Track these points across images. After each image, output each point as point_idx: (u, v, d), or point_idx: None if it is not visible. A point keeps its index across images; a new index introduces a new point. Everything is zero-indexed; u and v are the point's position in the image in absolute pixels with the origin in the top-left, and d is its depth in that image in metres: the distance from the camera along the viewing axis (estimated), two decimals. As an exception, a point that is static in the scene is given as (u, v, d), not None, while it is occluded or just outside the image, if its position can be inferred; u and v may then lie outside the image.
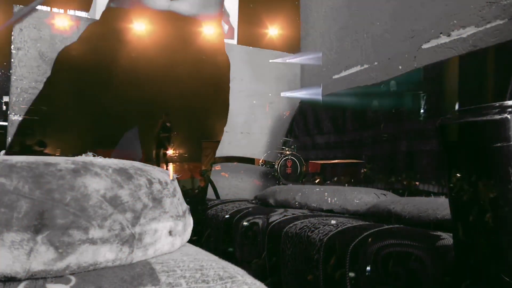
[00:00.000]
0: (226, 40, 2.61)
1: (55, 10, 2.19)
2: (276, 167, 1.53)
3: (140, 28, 2.27)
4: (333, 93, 2.16)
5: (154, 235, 0.48)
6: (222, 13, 1.47)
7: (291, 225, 1.13)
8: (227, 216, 1.47)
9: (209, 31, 2.24)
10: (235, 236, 1.35)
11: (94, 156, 0.59)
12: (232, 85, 2.42)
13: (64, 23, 2.02)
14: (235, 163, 2.36)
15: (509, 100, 1.26)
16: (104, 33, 1.26)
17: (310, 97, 2.26)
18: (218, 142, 2.30)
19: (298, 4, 2.68)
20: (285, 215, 1.25)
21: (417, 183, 1.46)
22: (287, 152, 1.56)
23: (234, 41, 2.68)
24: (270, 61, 2.56)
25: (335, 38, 2.39)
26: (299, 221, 1.14)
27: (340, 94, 2.07)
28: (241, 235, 1.32)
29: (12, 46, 1.94)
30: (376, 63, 2.09)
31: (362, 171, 1.40)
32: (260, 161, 2.04)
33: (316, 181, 1.39)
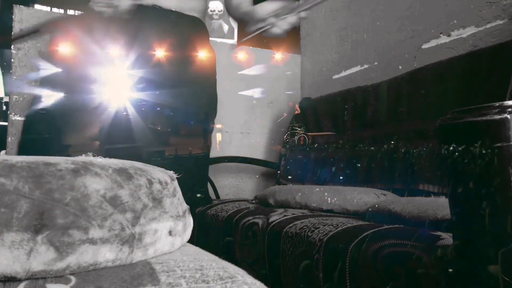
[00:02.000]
0: (226, 40, 2.61)
1: (55, 10, 2.19)
2: (295, 140, 2.10)
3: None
4: (333, 93, 2.16)
5: (154, 235, 0.48)
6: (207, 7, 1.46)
7: (291, 225, 1.13)
8: (227, 216, 1.47)
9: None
10: (235, 236, 1.35)
11: (94, 156, 0.59)
12: (232, 85, 2.42)
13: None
14: (235, 163, 2.36)
15: (509, 100, 1.27)
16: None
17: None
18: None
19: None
20: (285, 215, 1.25)
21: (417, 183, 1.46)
22: (301, 132, 2.09)
23: (234, 41, 2.68)
24: (270, 59, 2.56)
25: (335, 38, 2.39)
26: (299, 221, 1.14)
27: (340, 94, 2.07)
28: (241, 235, 1.32)
29: (12, 46, 1.94)
30: (376, 63, 2.09)
31: (340, 141, 1.91)
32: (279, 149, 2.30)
33: (315, 145, 2.02)
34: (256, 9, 1.43)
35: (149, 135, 1.28)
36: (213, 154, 2.28)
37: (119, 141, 1.25)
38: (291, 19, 1.39)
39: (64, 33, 1.24)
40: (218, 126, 2.33)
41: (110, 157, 1.23)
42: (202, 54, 1.40)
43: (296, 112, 2.22)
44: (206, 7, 1.49)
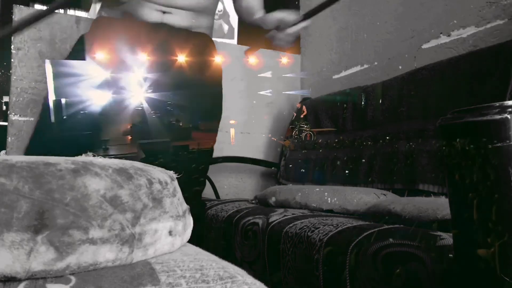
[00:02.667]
0: (226, 40, 2.61)
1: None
2: (302, 136, 2.20)
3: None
4: (333, 93, 2.16)
5: (154, 235, 0.48)
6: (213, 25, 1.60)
7: (291, 225, 1.13)
8: (227, 216, 1.47)
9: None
10: (235, 236, 1.35)
11: (94, 156, 0.59)
12: (232, 85, 2.42)
13: (64, 23, 2.02)
14: (235, 163, 2.36)
15: (509, 100, 1.27)
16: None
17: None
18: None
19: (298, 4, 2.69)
20: (285, 215, 1.25)
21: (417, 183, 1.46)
22: (307, 129, 2.18)
23: (234, 41, 2.68)
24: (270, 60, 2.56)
25: (335, 38, 2.39)
26: (299, 221, 1.14)
27: (340, 94, 2.07)
28: (241, 235, 1.32)
29: (12, 46, 1.94)
30: (376, 63, 2.09)
31: (340, 138, 1.97)
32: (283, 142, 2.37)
33: (319, 141, 2.09)
34: (265, 18, 1.53)
35: (174, 130, 1.47)
36: (221, 151, 2.30)
37: (149, 136, 1.43)
38: (293, 30, 1.47)
39: (101, 40, 1.39)
40: (231, 122, 2.41)
41: (143, 150, 1.41)
42: (210, 67, 1.58)
43: (303, 113, 2.25)
44: (213, 23, 1.59)
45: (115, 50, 1.37)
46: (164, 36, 1.43)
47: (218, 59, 1.57)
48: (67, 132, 1.33)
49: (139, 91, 1.40)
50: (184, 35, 1.46)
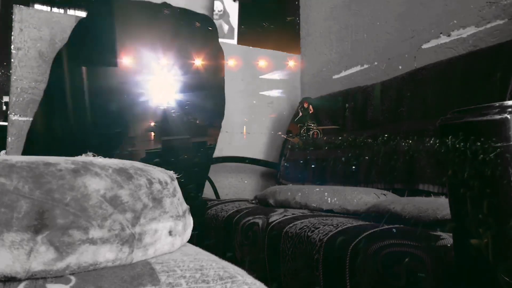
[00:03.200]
0: (226, 40, 2.61)
1: (55, 10, 2.19)
2: (310, 134, 2.24)
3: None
4: (333, 93, 2.16)
5: (154, 235, 0.48)
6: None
7: (291, 225, 1.13)
8: (227, 216, 1.47)
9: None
10: (235, 236, 1.35)
11: (94, 156, 0.59)
12: (232, 85, 2.42)
13: (64, 23, 2.02)
14: (235, 163, 2.36)
15: (509, 100, 1.27)
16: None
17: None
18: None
19: (298, 11, 2.69)
20: (285, 215, 1.25)
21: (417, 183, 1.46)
22: (314, 128, 2.20)
23: (234, 41, 2.68)
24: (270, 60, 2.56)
25: (335, 38, 2.39)
26: (299, 221, 1.14)
27: (340, 94, 2.07)
28: (241, 235, 1.32)
29: (12, 46, 1.94)
30: (376, 63, 2.09)
31: (341, 138, 1.97)
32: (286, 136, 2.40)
33: (324, 138, 2.11)
34: None
35: (191, 128, 1.52)
36: (221, 151, 2.31)
37: (170, 133, 1.48)
38: None
39: (99, 25, 1.39)
40: (245, 119, 2.46)
41: (165, 145, 1.46)
42: (213, 52, 1.57)
43: (311, 111, 2.26)
44: (213, 5, 1.58)
45: (115, 36, 1.37)
46: (166, 19, 1.41)
47: (219, 45, 1.56)
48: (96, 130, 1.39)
49: (159, 91, 1.43)
50: (186, 16, 1.45)
